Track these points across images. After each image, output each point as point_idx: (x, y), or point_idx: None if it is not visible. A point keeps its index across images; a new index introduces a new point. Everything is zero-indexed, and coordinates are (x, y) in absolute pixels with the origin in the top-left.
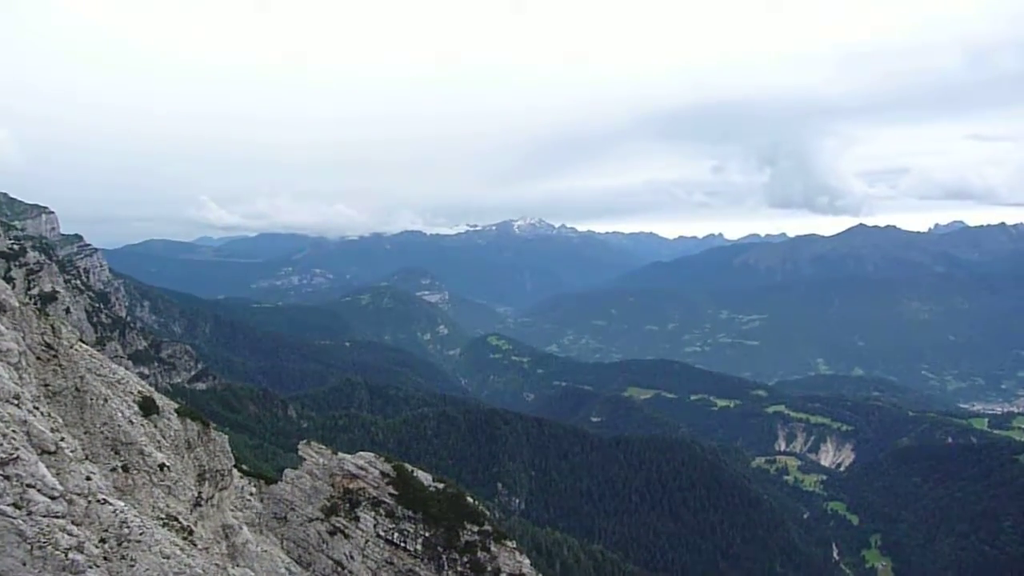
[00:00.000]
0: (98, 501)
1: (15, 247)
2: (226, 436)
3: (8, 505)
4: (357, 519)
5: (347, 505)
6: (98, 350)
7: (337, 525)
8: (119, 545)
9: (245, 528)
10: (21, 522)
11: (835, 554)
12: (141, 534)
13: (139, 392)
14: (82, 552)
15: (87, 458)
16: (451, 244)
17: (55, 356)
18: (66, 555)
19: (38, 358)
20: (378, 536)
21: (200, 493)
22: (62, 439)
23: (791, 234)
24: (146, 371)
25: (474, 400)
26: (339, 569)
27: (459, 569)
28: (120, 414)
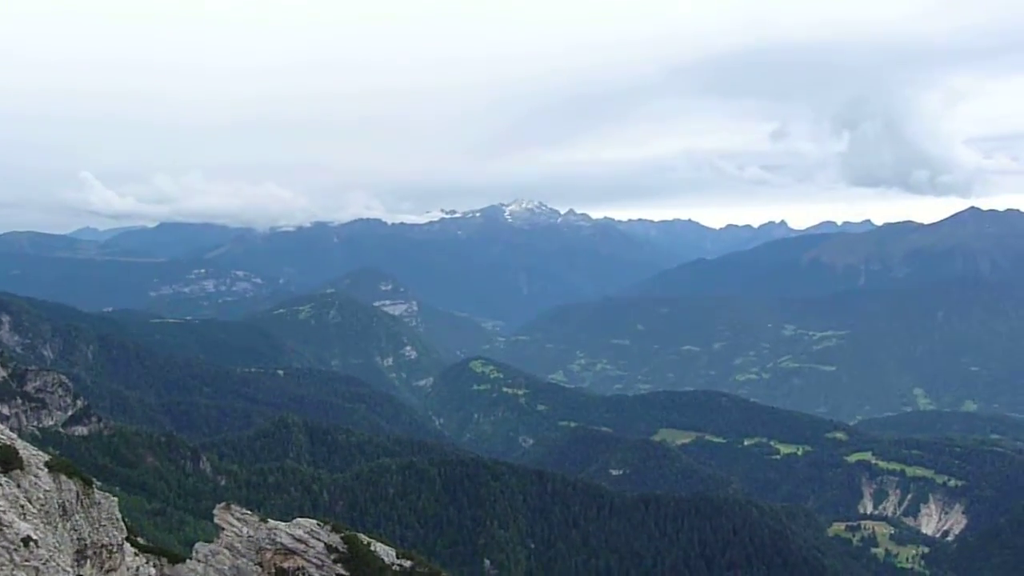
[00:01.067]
0: None
1: None
2: (115, 499)
3: None
4: None
5: None
6: None
7: None
8: None
9: None
10: None
11: None
12: None
13: None
14: None
15: None
16: (421, 237)
17: None
18: None
19: None
20: None
21: None
22: None
23: (878, 221)
24: (6, 411)
25: (452, 447)
26: None
27: None
28: None
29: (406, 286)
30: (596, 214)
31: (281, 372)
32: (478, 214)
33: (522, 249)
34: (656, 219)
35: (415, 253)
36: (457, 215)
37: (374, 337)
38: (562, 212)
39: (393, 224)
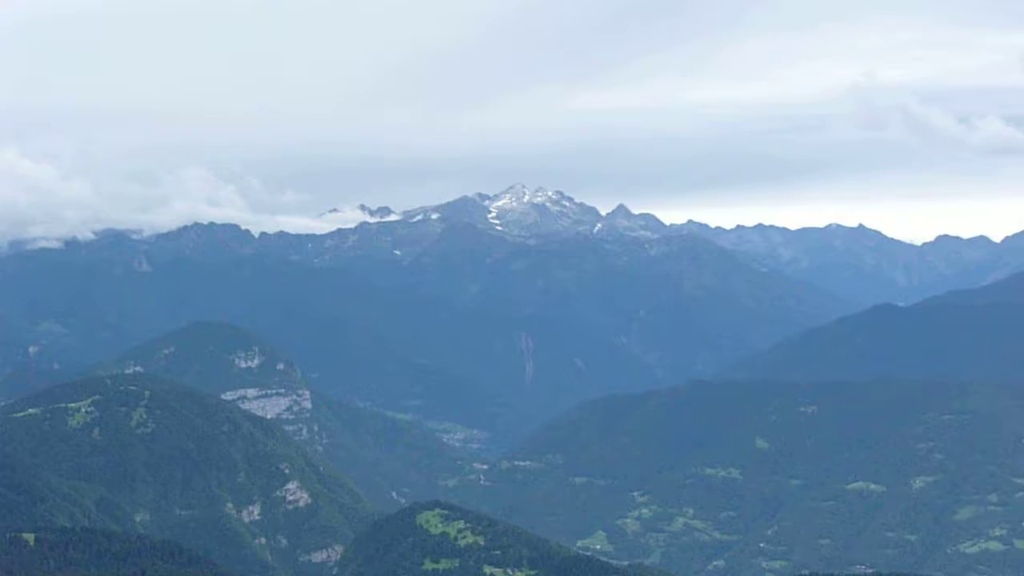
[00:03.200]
0: None
1: None
2: None
3: None
4: None
5: None
6: None
7: None
8: None
9: None
10: None
11: None
12: None
13: None
14: None
15: None
16: (321, 261)
17: None
18: None
19: None
20: None
21: None
22: None
23: None
24: None
25: None
26: None
27: None
28: None
29: (289, 359)
30: (671, 214)
31: (31, 536)
32: (435, 216)
33: (523, 283)
34: (793, 225)
35: (308, 292)
36: (393, 217)
37: (223, 463)
38: (603, 211)
39: (264, 235)
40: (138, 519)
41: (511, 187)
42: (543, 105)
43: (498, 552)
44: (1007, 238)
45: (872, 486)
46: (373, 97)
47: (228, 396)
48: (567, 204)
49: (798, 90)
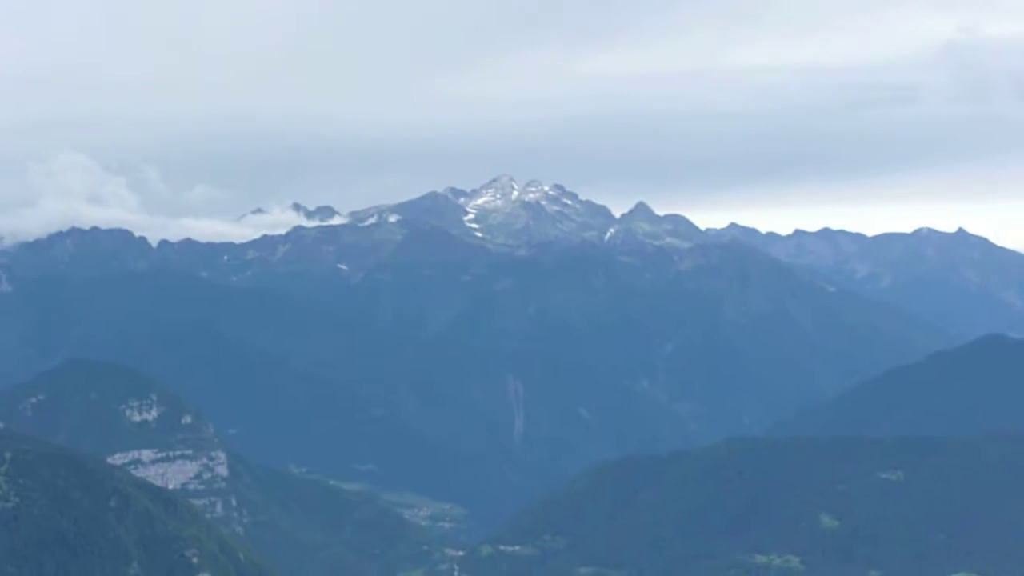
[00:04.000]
0: None
1: None
2: None
3: None
4: None
5: None
6: None
7: None
8: None
9: None
10: None
11: None
12: None
13: None
14: None
15: None
16: (239, 279)
17: None
18: None
19: None
20: None
21: None
22: None
23: None
24: None
25: None
26: None
27: None
28: None
29: (199, 410)
30: (708, 216)
31: None
32: (393, 218)
33: (511, 308)
34: (871, 230)
35: (224, 321)
36: (338, 220)
37: (110, 550)
38: (618, 212)
39: (165, 243)
40: None
41: (495, 180)
42: (538, 70)
43: None
44: None
45: None
46: (310, 60)
47: (117, 460)
48: (569, 203)
49: (876, 50)
